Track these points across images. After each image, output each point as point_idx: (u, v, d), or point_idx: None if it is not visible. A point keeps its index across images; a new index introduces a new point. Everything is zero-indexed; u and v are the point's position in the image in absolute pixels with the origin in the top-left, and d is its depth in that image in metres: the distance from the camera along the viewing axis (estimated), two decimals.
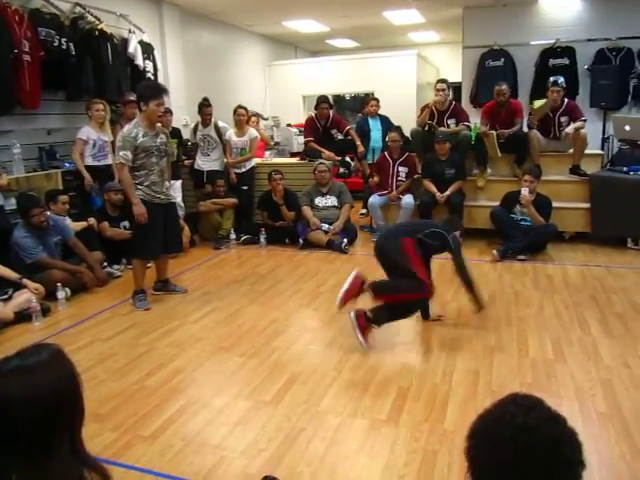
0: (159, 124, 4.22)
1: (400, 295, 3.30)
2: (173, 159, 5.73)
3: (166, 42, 7.10)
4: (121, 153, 3.90)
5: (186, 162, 6.49)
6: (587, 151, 5.84)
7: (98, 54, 5.59)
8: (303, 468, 2.21)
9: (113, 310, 4.12)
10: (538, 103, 5.95)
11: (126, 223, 5.00)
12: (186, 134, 6.59)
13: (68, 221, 4.77)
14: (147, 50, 6.42)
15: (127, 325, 3.81)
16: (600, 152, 6.37)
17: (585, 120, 5.72)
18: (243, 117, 6.25)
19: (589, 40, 7.44)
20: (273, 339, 3.48)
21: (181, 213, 6.01)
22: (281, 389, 2.84)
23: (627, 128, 5.53)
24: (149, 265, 4.51)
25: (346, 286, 3.44)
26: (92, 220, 4.99)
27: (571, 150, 5.79)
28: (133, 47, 6.17)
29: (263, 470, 2.18)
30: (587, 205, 5.49)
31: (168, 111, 6.04)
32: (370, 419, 2.54)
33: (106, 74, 5.66)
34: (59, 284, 4.15)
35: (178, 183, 6.12)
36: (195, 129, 6.31)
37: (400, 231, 3.64)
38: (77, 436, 1.21)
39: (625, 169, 5.39)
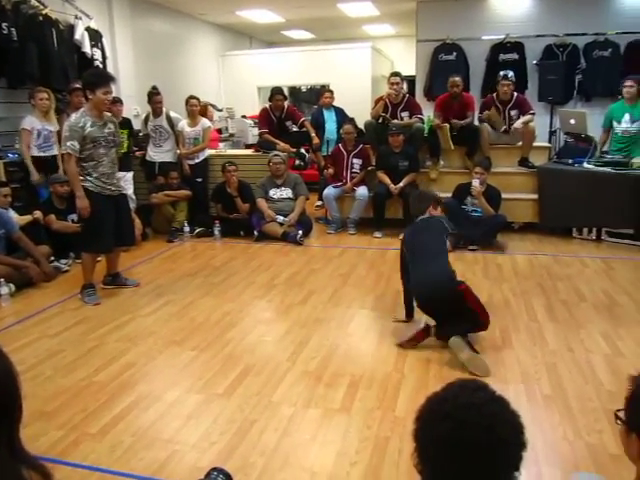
0: (107, 113, 4.09)
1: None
2: (122, 150, 5.60)
3: (115, 29, 6.90)
4: (68, 143, 3.76)
5: (137, 153, 6.34)
6: (535, 144, 6.02)
7: (42, 40, 5.39)
8: (256, 459, 2.20)
9: (61, 305, 3.99)
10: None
11: (74, 216, 4.83)
12: (137, 125, 6.43)
13: (12, 214, 4.59)
14: (95, 37, 6.23)
15: (76, 320, 3.69)
16: (547, 145, 6.57)
17: (534, 113, 5.90)
18: (195, 107, 6.14)
19: (537, 36, 7.66)
20: (226, 332, 3.44)
21: (132, 206, 5.85)
22: (234, 381, 2.81)
23: (572, 122, 5.72)
24: (99, 259, 4.38)
25: (410, 335, 3.16)
26: (38, 213, 4.80)
27: (520, 143, 5.95)
28: (80, 34, 5.97)
29: (215, 463, 2.15)
30: (535, 196, 5.66)
31: (118, 101, 5.90)
32: (323, 408, 2.55)
33: (51, 61, 5.47)
34: (2, 279, 3.99)
35: (129, 175, 5.97)
36: (146, 120, 6.16)
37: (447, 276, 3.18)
38: (15, 434, 1.17)
39: (570, 161, 5.59)
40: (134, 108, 6.99)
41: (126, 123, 5.95)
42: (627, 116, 5.31)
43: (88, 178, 3.87)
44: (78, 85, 4.93)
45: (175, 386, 2.79)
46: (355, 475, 2.10)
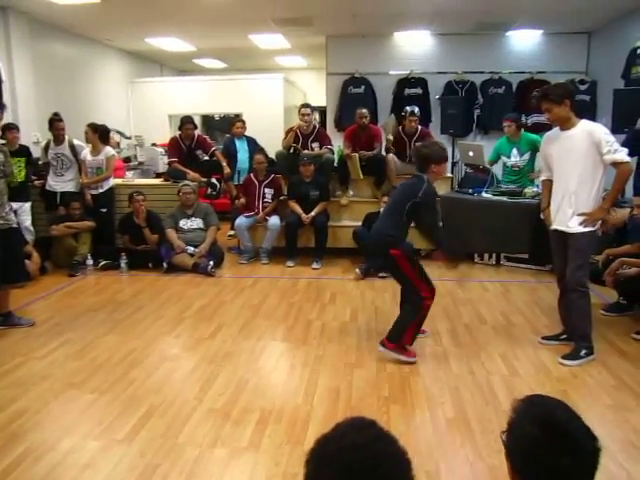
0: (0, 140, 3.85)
1: (415, 320, 3.39)
2: (19, 179, 5.27)
3: (12, 52, 6.54)
4: None
5: (36, 182, 5.99)
6: None
7: None
8: None
9: None
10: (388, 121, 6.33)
11: None
12: (37, 152, 6.08)
13: None
14: None
15: None
16: (450, 175, 6.92)
17: None
18: (87, 135, 5.86)
19: (439, 73, 8.14)
20: (130, 371, 3.27)
21: (30, 238, 5.53)
22: (136, 424, 2.67)
23: (471, 154, 6.07)
24: None
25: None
26: None
27: None
28: None
29: None
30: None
31: (14, 127, 5.59)
32: (230, 447, 2.48)
33: None
34: None
35: (27, 205, 5.62)
36: (47, 147, 5.84)
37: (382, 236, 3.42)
38: None
39: (470, 191, 5.92)
40: (34, 134, 6.63)
41: (23, 150, 5.62)
42: (515, 151, 5.72)
43: None
44: None
45: (71, 433, 2.60)
46: None
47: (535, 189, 5.56)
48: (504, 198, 5.60)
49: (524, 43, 8.09)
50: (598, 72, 7.71)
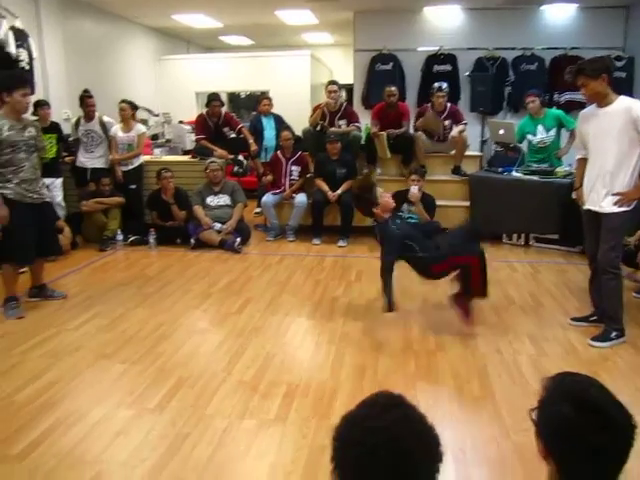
0: (29, 117, 3.90)
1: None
2: (50, 155, 5.36)
3: (43, 29, 6.59)
4: None
5: (67, 159, 6.08)
6: (467, 153, 6.23)
7: None
8: (188, 474, 2.14)
9: None
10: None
11: None
12: (67, 129, 6.17)
13: None
14: (21, 37, 5.91)
15: None
16: (479, 154, 6.81)
17: (466, 124, 6.11)
18: (125, 112, 5.95)
19: (469, 49, 7.94)
20: (159, 343, 3.34)
21: (62, 213, 5.63)
22: (166, 395, 2.73)
23: (501, 132, 5.95)
24: (22, 270, 4.17)
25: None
26: None
27: (453, 152, 6.13)
28: (3, 33, 5.66)
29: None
30: (467, 203, 5.85)
31: (45, 104, 5.66)
32: (258, 419, 2.52)
33: None
34: None
35: (58, 181, 5.72)
36: (77, 124, 5.91)
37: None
38: None
39: (500, 170, 5.81)
40: (64, 112, 6.71)
41: (54, 127, 5.69)
42: (540, 127, 5.56)
43: (8, 185, 3.67)
44: None
45: (103, 402, 2.67)
46: None
47: (567, 168, 5.44)
48: (535, 177, 5.48)
49: (558, 18, 7.81)
50: (636, 48, 7.43)
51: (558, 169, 5.45)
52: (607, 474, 1.06)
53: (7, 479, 2.13)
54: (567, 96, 7.50)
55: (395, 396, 1.03)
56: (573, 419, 1.05)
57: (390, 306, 3.45)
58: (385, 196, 3.52)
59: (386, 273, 3.51)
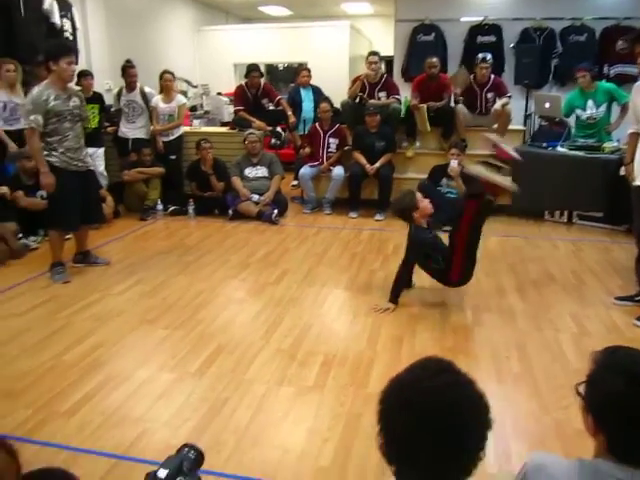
0: (73, 86, 3.97)
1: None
2: (93, 125, 5.46)
3: (86, 0, 6.66)
4: (31, 117, 3.63)
5: (109, 129, 6.18)
6: (510, 127, 6.05)
7: (8, 9, 5.16)
8: (228, 436, 2.20)
9: (29, 284, 3.89)
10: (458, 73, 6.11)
11: (43, 192, 4.70)
12: (109, 99, 6.26)
13: None
14: (64, 7, 6.00)
15: (44, 299, 3.61)
16: (522, 128, 6.61)
17: (510, 96, 5.93)
18: (170, 82, 6.00)
19: (515, 19, 7.65)
20: (199, 311, 3.41)
21: (104, 183, 5.75)
22: (206, 360, 2.80)
23: (547, 105, 5.75)
24: (68, 237, 4.29)
25: None
26: (4, 189, 4.66)
27: (495, 125, 5.97)
28: (48, 3, 5.74)
29: (187, 440, 2.12)
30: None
31: (88, 74, 5.74)
32: (296, 386, 2.56)
33: (17, 31, 5.26)
34: None
35: (100, 151, 5.83)
36: (119, 94, 5.99)
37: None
38: None
39: (544, 145, 5.64)
40: (106, 82, 6.80)
41: (97, 98, 5.78)
42: (590, 102, 5.35)
43: (53, 153, 3.76)
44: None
45: (146, 365, 2.76)
46: (327, 451, 2.11)
47: (615, 144, 5.24)
48: (581, 153, 5.30)
49: None
50: None
51: (605, 144, 5.26)
52: None
53: (57, 434, 2.22)
54: (618, 69, 7.17)
55: (445, 361, 1.03)
56: (625, 392, 1.04)
57: (395, 300, 3.43)
58: (424, 201, 3.48)
59: (403, 275, 3.49)
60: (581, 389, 1.14)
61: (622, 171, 3.84)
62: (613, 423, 1.07)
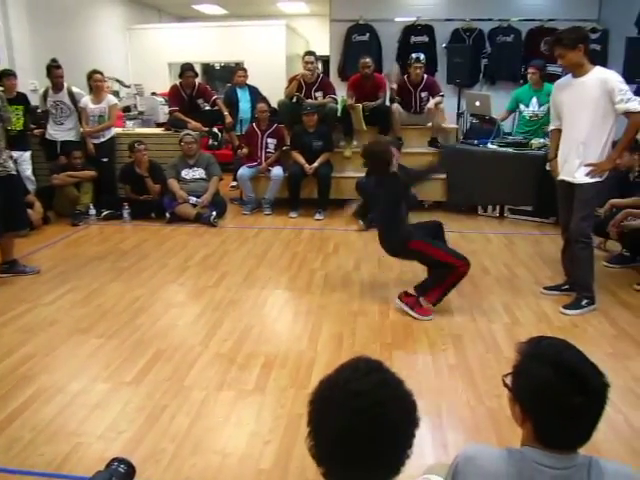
0: None
1: (445, 281, 3.29)
2: (17, 127, 5.21)
3: None
4: None
5: (36, 131, 5.89)
6: (445, 125, 6.22)
7: None
8: (166, 445, 2.15)
9: None
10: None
11: None
12: (35, 100, 5.97)
13: None
14: None
15: None
16: (455, 126, 6.81)
17: (443, 95, 6.09)
18: (100, 83, 5.79)
19: (446, 20, 7.87)
20: (136, 317, 3.32)
21: (32, 187, 5.49)
22: (144, 368, 2.72)
23: (477, 104, 5.95)
24: None
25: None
26: None
27: (429, 124, 6.12)
28: None
29: (123, 452, 2.08)
30: (444, 176, 5.86)
31: (11, 74, 5.47)
32: (236, 390, 2.53)
33: None
34: None
35: (27, 154, 5.55)
36: (45, 95, 5.73)
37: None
38: None
39: (476, 142, 5.83)
40: (31, 82, 6.49)
41: (21, 98, 5.50)
42: (534, 100, 5.58)
43: None
44: None
45: (79, 376, 2.66)
46: (268, 454, 2.10)
47: (542, 140, 5.48)
48: (510, 149, 5.52)
49: None
50: (610, 20, 7.45)
51: (533, 141, 5.49)
52: (584, 432, 1.09)
53: None
54: (550, 68, 7.50)
55: (374, 361, 1.04)
56: (552, 381, 1.07)
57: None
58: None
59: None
60: (508, 380, 1.17)
61: (547, 166, 4.03)
62: (540, 411, 1.10)
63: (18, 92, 5.51)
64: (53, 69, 5.59)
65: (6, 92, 5.06)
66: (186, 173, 5.63)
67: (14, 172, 3.95)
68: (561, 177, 3.43)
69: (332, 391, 0.99)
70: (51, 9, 7.41)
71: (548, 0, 7.73)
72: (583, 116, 3.21)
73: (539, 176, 5.11)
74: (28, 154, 5.57)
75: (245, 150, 6.01)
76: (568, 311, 3.35)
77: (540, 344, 1.17)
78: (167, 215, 5.47)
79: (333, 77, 7.87)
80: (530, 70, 5.58)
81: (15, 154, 4.86)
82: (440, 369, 2.71)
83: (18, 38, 6.49)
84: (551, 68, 7.04)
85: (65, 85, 5.69)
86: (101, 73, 5.86)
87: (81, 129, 5.78)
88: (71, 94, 5.71)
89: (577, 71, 3.22)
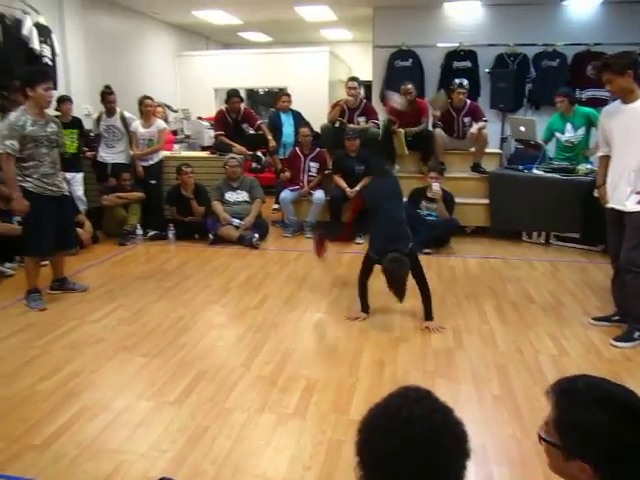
0: (50, 112, 3.95)
1: None
2: (72, 150, 5.44)
3: (65, 25, 6.67)
4: (7, 142, 3.60)
5: (88, 154, 6.15)
6: (487, 150, 6.17)
7: None
8: (207, 467, 2.16)
9: (4, 311, 3.82)
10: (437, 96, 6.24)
11: (18, 218, 4.64)
12: (88, 124, 6.24)
13: None
14: (44, 33, 6.00)
15: (19, 327, 3.54)
16: (499, 151, 6.75)
17: (486, 120, 6.05)
18: (150, 108, 6.01)
19: (490, 45, 7.86)
20: (179, 337, 3.37)
21: (83, 208, 5.71)
22: (186, 388, 2.75)
23: (522, 129, 5.88)
24: (44, 263, 4.22)
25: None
26: None
27: (473, 149, 6.08)
28: (27, 29, 5.75)
29: (165, 472, 2.10)
30: (487, 201, 5.80)
31: (67, 99, 5.73)
32: (277, 413, 2.53)
33: None
34: None
35: (79, 176, 5.80)
36: (99, 119, 5.98)
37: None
38: None
39: (520, 167, 5.75)
40: (85, 107, 6.78)
41: (76, 122, 5.77)
42: (568, 126, 5.49)
43: (28, 179, 3.72)
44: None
45: (124, 394, 2.71)
46: None
47: (589, 166, 5.37)
48: (556, 175, 5.41)
49: (581, 13, 7.68)
50: None
51: (580, 167, 5.38)
52: None
53: (30, 468, 2.16)
54: (589, 93, 7.39)
55: (423, 390, 1.03)
56: (607, 423, 0.99)
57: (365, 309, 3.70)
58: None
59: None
60: (546, 434, 1.08)
61: (596, 193, 3.93)
62: (601, 456, 0.99)
63: (73, 116, 5.77)
64: (107, 95, 5.85)
65: (62, 116, 5.31)
66: (230, 196, 5.74)
67: (67, 193, 4.13)
68: (610, 205, 3.34)
69: (382, 418, 0.98)
70: (106, 37, 7.78)
71: (595, 24, 7.63)
72: (634, 143, 3.13)
73: (586, 202, 4.98)
74: (80, 175, 5.81)
75: (288, 173, 6.09)
76: (619, 343, 3.22)
77: (577, 388, 1.07)
78: (210, 236, 5.58)
79: (375, 102, 7.93)
80: (558, 99, 5.50)
81: (68, 175, 5.10)
82: (484, 399, 2.64)
83: (74, 65, 6.81)
84: (599, 93, 6.96)
85: (118, 110, 5.92)
86: (151, 98, 6.09)
87: (131, 152, 5.99)
88: (123, 119, 5.95)
89: (627, 97, 3.15)
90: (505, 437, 2.35)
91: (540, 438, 1.09)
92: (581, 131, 5.45)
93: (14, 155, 3.62)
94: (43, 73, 3.83)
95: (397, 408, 0.97)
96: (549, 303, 3.94)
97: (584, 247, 5.32)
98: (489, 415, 2.52)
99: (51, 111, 4.17)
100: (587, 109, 5.59)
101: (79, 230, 4.99)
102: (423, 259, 5.01)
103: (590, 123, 5.40)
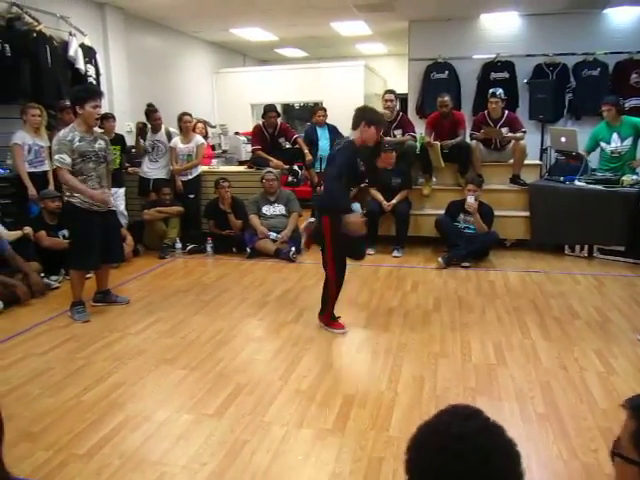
0: (98, 130, 4.09)
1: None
2: (115, 166, 5.59)
3: (109, 46, 6.92)
4: (57, 157, 3.76)
5: (130, 169, 6.32)
6: (526, 161, 6.06)
7: (36, 56, 5.38)
8: None
9: (49, 323, 3.93)
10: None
11: (65, 232, 4.80)
12: (130, 141, 6.42)
13: (1, 229, 4.54)
14: (89, 54, 6.23)
15: (64, 338, 3.63)
16: (539, 162, 6.62)
17: (525, 131, 5.94)
18: (189, 124, 6.15)
19: (528, 55, 7.76)
20: (218, 350, 3.40)
21: (124, 222, 5.85)
22: (225, 401, 2.77)
23: (563, 140, 5.76)
24: (89, 276, 4.34)
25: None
26: (28, 229, 4.75)
27: (511, 160, 5.98)
28: (74, 50, 5.98)
29: None
30: (527, 213, 5.68)
31: (111, 117, 5.90)
32: (316, 428, 2.51)
33: (44, 77, 5.45)
34: None
35: (121, 191, 5.96)
36: (144, 135, 6.15)
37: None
38: None
39: (562, 179, 5.62)
40: (127, 124, 6.99)
41: (119, 139, 5.94)
42: (615, 135, 5.35)
43: (75, 194, 3.85)
44: (68, 103, 4.92)
45: (165, 406, 2.74)
46: None
47: (634, 177, 5.21)
48: (599, 187, 5.27)
49: (621, 21, 7.51)
50: None
51: (625, 177, 5.22)
52: None
53: (75, 478, 2.20)
54: (632, 102, 7.21)
55: (473, 407, 1.00)
56: None
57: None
58: None
59: None
60: (623, 451, 1.03)
61: None
62: None
63: (116, 133, 5.94)
64: (151, 113, 6.03)
65: (106, 133, 5.47)
66: (267, 209, 5.80)
67: (114, 208, 4.24)
68: None
69: (431, 436, 0.96)
70: (147, 57, 8.02)
71: (636, 31, 7.45)
72: None
73: (632, 214, 4.84)
74: (122, 190, 5.96)
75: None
76: None
77: None
78: (248, 250, 5.63)
79: (411, 115, 7.92)
80: (604, 108, 5.36)
81: (111, 191, 5.23)
82: (528, 417, 2.57)
83: (117, 83, 7.04)
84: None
85: (163, 127, 6.09)
86: (190, 115, 6.22)
87: (171, 167, 6.13)
88: (168, 134, 6.12)
89: None
90: (551, 458, 2.27)
91: (613, 454, 1.05)
92: (628, 141, 5.30)
93: (66, 167, 3.77)
94: (92, 91, 3.96)
95: (447, 425, 0.95)
96: (594, 319, 3.82)
97: (629, 260, 5.14)
98: (534, 434, 2.44)
99: (96, 129, 4.29)
100: (635, 119, 5.43)
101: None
102: (461, 272, 4.97)
103: (638, 133, 5.25)
